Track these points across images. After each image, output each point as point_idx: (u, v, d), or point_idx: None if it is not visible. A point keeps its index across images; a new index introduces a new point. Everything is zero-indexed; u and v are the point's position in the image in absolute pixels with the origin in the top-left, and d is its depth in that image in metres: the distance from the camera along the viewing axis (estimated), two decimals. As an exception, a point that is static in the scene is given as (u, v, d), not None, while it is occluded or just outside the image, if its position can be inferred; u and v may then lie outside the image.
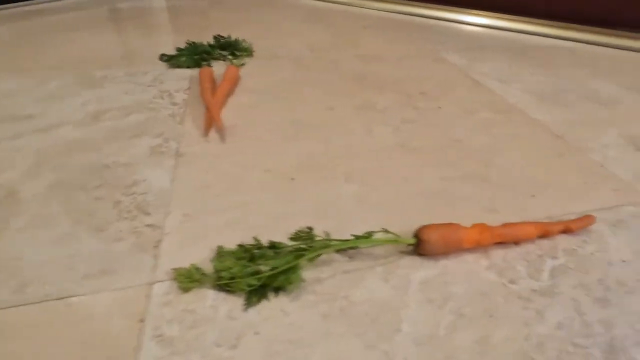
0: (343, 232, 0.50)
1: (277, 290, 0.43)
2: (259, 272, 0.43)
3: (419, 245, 0.48)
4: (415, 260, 0.48)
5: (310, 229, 0.49)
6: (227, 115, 0.83)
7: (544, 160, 0.70)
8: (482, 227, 0.49)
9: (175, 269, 0.44)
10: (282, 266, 0.42)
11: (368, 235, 0.47)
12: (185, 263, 0.46)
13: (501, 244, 0.50)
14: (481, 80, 0.99)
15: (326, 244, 0.46)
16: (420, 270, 0.47)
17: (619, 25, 1.20)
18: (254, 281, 0.42)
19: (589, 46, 1.21)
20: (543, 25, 1.31)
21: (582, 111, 0.87)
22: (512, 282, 0.46)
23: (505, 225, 0.51)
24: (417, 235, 0.48)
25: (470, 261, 0.48)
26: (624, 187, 0.63)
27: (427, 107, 0.87)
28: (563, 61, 1.11)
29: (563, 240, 0.52)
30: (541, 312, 0.42)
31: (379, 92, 0.94)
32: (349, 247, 0.48)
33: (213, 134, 0.75)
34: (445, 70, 1.05)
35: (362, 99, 0.90)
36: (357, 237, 0.47)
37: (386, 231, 0.47)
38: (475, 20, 1.38)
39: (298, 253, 0.43)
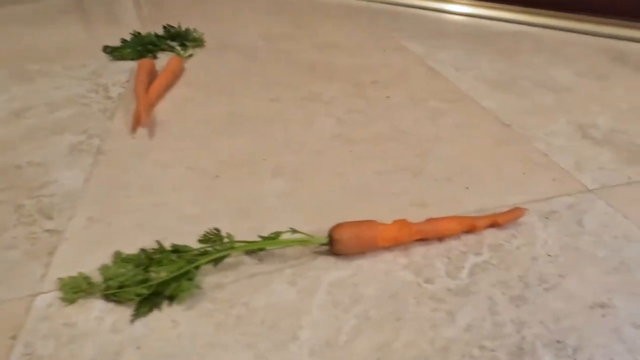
0: (262, 232, 0.47)
1: (172, 299, 0.41)
2: (149, 280, 0.40)
3: (332, 245, 0.45)
4: (329, 260, 0.46)
5: (218, 230, 0.46)
6: (163, 109, 0.79)
7: (486, 150, 0.67)
8: (401, 223, 0.47)
9: (60, 279, 0.42)
10: (174, 272, 0.40)
11: (275, 236, 0.44)
12: (79, 271, 0.43)
13: (424, 240, 0.49)
14: (437, 68, 0.97)
15: (230, 246, 0.43)
16: (332, 271, 0.44)
17: (587, 10, 1.19)
18: (142, 290, 0.39)
19: (555, 32, 1.19)
20: (509, 10, 1.28)
21: (534, 99, 0.85)
22: (427, 281, 0.44)
23: (427, 220, 0.48)
24: (330, 234, 0.46)
25: (388, 260, 0.46)
26: (563, 177, 0.61)
27: (376, 97, 0.85)
28: (525, 47, 1.09)
29: (490, 235, 0.50)
30: (452, 313, 0.40)
31: (329, 82, 0.91)
32: (256, 249, 0.45)
33: (143, 130, 0.71)
34: (402, 58, 1.02)
35: (309, 90, 0.87)
36: (264, 238, 0.45)
37: (294, 231, 0.44)
38: (441, 6, 1.35)
39: (191, 258, 0.41)
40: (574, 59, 1.01)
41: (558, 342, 0.38)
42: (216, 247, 0.45)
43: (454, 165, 0.63)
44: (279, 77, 0.92)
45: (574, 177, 0.60)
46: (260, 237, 0.45)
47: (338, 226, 0.45)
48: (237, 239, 0.46)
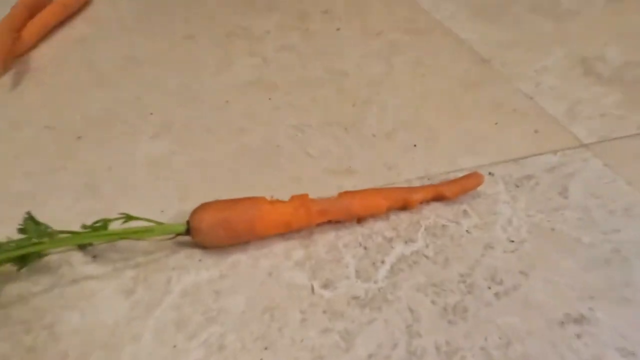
0: (110, 214, 0.33)
1: (-57, 320, 0.30)
2: None
3: (192, 235, 0.33)
4: (194, 256, 0.33)
5: (31, 217, 0.34)
6: (42, 52, 0.63)
7: (449, 94, 0.51)
8: (298, 201, 0.34)
9: None
10: None
11: (103, 225, 0.32)
12: None
13: (336, 223, 0.36)
14: (409, -8, 0.79)
15: (40, 241, 0.32)
16: (191, 272, 0.32)
17: None
18: None
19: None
20: None
21: (528, 27, 0.67)
22: (326, 285, 0.32)
23: (339, 195, 0.35)
24: (188, 220, 0.33)
25: (277, 253, 0.34)
26: (549, 127, 0.46)
27: (322, 30, 0.68)
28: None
29: (432, 213, 0.37)
30: (350, 337, 0.28)
31: (267, 12, 0.73)
32: (85, 243, 0.33)
33: (5, 79, 0.57)
34: (368, -19, 0.84)
35: (238, 23, 0.70)
36: (89, 228, 0.32)
37: (128, 217, 0.32)
38: None
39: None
40: (585, -24, 0.83)
41: (502, 381, 0.27)
42: (35, 241, 0.33)
43: (401, 115, 0.48)
44: (205, 8, 0.75)
45: (564, 127, 0.46)
46: (85, 226, 0.33)
47: (200, 209, 0.32)
48: (73, 225, 0.33)
